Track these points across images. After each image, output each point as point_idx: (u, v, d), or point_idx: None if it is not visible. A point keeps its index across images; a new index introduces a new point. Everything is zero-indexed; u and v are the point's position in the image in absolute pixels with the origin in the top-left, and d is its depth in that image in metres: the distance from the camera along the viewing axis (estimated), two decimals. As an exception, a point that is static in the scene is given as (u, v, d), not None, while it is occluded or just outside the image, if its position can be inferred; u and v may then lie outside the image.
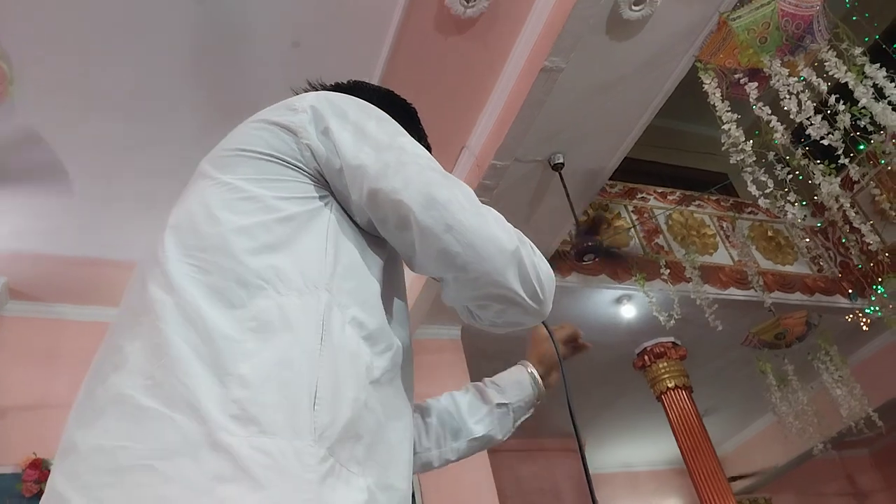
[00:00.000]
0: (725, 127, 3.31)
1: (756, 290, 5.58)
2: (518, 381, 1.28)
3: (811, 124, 3.03)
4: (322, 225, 0.84)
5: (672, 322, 4.98)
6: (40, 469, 3.91)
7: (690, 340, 6.28)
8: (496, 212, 0.88)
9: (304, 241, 0.81)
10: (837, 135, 3.11)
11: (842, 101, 3.07)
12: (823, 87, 3.11)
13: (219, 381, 0.67)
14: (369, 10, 3.23)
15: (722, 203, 6.97)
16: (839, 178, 3.68)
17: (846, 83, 3.12)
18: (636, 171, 6.68)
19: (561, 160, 4.09)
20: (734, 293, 6.00)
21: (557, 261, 5.38)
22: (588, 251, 4.17)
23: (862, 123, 3.11)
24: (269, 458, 0.64)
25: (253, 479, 0.62)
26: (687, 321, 5.37)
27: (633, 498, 9.07)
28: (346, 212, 0.89)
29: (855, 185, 5.78)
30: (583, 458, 1.21)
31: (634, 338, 6.37)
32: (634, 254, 5.86)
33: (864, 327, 6.15)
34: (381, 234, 0.90)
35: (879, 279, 6.09)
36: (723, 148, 3.46)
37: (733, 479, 8.71)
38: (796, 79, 3.03)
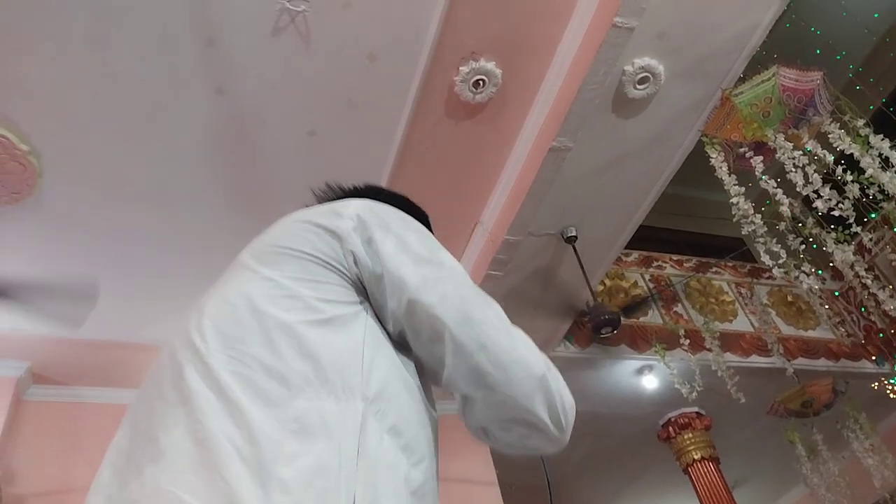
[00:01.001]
0: (734, 200, 3.35)
1: (777, 357, 5.50)
2: None
3: (818, 196, 3.05)
4: (360, 330, 0.85)
5: (694, 394, 4.90)
6: (58, 557, 3.87)
7: (715, 410, 6.16)
8: (524, 334, 0.90)
9: (342, 345, 0.82)
10: (847, 204, 3.13)
11: (848, 172, 3.11)
12: (829, 157, 3.15)
13: (261, 484, 0.66)
14: (382, 98, 3.36)
15: (739, 269, 6.95)
16: (853, 245, 3.68)
17: (852, 153, 3.16)
18: (651, 239, 6.71)
19: (573, 233, 4.14)
20: (756, 361, 5.91)
21: (575, 332, 5.36)
22: (605, 324, 4.16)
23: (870, 193, 3.13)
24: None
25: None
26: (711, 390, 5.28)
27: (664, 576, 8.70)
28: (379, 320, 0.90)
29: (871, 251, 5.76)
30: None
31: (658, 408, 6.26)
32: (653, 324, 5.83)
33: (892, 395, 6.00)
34: (410, 345, 0.90)
35: (903, 345, 5.99)
36: (734, 220, 3.49)
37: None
38: (801, 152, 3.08)
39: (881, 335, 5.86)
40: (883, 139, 3.06)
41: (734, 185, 3.35)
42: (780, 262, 3.43)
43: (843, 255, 3.47)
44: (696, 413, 6.25)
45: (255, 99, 3.27)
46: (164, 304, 4.23)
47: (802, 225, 3.70)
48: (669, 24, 3.13)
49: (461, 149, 3.68)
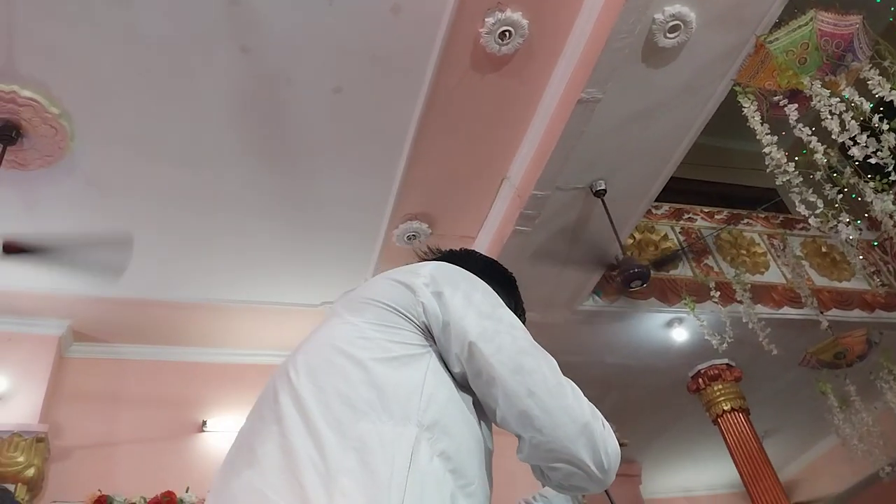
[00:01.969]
0: (766, 150, 3.27)
1: (810, 309, 5.43)
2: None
3: (855, 144, 2.97)
4: (422, 367, 0.99)
5: (724, 345, 4.88)
6: (105, 505, 4.04)
7: (746, 361, 6.13)
8: (575, 386, 1.02)
9: (405, 379, 0.96)
10: (885, 151, 3.04)
11: (885, 121, 3.01)
12: (867, 105, 3.05)
13: (326, 490, 0.82)
14: (407, 52, 3.32)
15: (772, 220, 6.82)
16: (892, 194, 3.59)
17: (892, 100, 3.06)
18: (682, 191, 6.60)
19: (603, 186, 4.09)
20: (788, 312, 5.84)
21: (604, 286, 5.35)
22: (634, 278, 4.13)
23: (910, 139, 3.03)
24: None
25: None
26: (741, 342, 5.24)
27: (693, 524, 8.83)
28: (443, 362, 1.04)
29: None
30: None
31: (688, 360, 6.25)
32: (683, 276, 5.78)
33: (928, 344, 5.91)
34: (472, 387, 1.03)
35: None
36: (767, 170, 3.42)
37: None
38: (838, 99, 2.98)
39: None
40: (924, 84, 2.95)
41: (767, 134, 3.27)
42: (817, 212, 3.36)
43: (882, 204, 3.39)
44: (727, 365, 6.23)
45: (279, 57, 3.26)
46: (196, 262, 4.31)
47: (839, 174, 3.61)
48: (702, -31, 3.03)
49: (487, 103, 3.64)
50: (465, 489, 0.93)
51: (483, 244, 4.54)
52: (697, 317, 5.13)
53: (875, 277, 6.36)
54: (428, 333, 1.04)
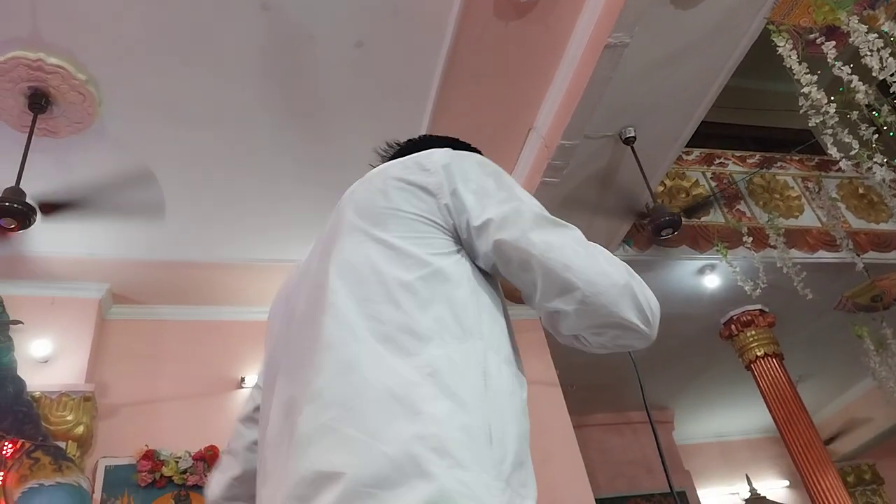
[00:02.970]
0: (805, 90, 3.18)
1: (846, 252, 5.33)
2: None
3: (896, 81, 2.87)
4: (464, 276, 0.98)
5: (758, 291, 4.83)
6: (153, 460, 4.20)
7: (780, 307, 6.08)
8: (604, 249, 1.00)
9: (454, 293, 0.95)
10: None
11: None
12: (907, 39, 2.94)
13: (413, 418, 0.79)
14: (427, 2, 3.26)
15: (806, 162, 6.66)
16: (932, 132, 3.48)
17: (934, 33, 2.94)
18: (713, 136, 6.46)
19: (632, 133, 4.02)
20: (823, 256, 5.75)
21: (635, 234, 5.31)
22: (665, 226, 4.09)
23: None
24: (467, 488, 0.76)
25: None
26: (775, 287, 5.19)
27: (727, 468, 8.90)
28: (470, 259, 1.02)
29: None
30: (654, 433, 1.46)
31: (720, 307, 6.22)
32: (715, 223, 5.70)
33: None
34: (503, 275, 1.03)
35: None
36: (801, 111, 3.32)
37: (830, 440, 8.43)
38: (877, 34, 2.87)
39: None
40: (970, 14, 2.82)
41: (805, 73, 3.17)
42: (852, 153, 3.28)
43: (920, 142, 3.29)
44: (760, 310, 6.19)
45: (300, 12, 3.22)
46: (230, 224, 4.36)
47: (877, 113, 3.50)
48: None
49: (511, 52, 3.57)
50: (524, 387, 0.97)
51: (511, 196, 4.50)
52: (730, 263, 5.09)
53: (914, 218, 6.22)
54: (455, 234, 1.02)
